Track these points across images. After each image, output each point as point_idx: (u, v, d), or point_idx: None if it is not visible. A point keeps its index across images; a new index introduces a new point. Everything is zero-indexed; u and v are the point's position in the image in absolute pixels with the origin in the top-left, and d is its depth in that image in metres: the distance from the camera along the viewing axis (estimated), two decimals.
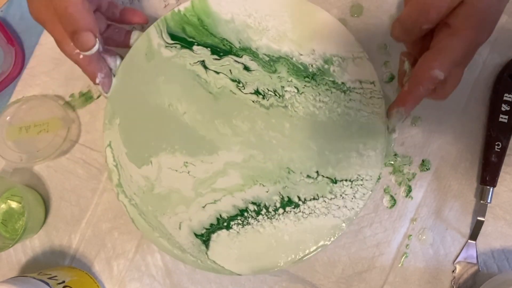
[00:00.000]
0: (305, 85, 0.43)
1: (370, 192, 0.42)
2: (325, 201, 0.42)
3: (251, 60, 0.44)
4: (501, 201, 0.44)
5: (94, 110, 0.49)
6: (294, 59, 0.44)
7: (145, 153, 0.44)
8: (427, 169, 0.45)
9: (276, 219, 0.42)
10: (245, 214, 0.42)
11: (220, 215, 0.42)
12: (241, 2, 0.45)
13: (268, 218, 0.42)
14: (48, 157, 0.46)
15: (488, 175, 0.43)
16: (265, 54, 0.44)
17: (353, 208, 0.41)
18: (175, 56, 0.45)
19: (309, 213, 0.42)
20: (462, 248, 0.43)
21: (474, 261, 0.43)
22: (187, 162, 0.43)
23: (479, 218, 0.43)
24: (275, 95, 0.43)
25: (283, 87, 0.43)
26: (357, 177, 0.42)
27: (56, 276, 0.41)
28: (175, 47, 0.45)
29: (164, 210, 0.43)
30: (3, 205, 0.48)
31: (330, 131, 0.42)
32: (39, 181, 0.48)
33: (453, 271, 0.43)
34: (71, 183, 0.48)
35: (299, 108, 0.43)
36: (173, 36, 0.45)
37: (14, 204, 0.48)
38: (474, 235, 0.43)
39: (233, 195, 0.42)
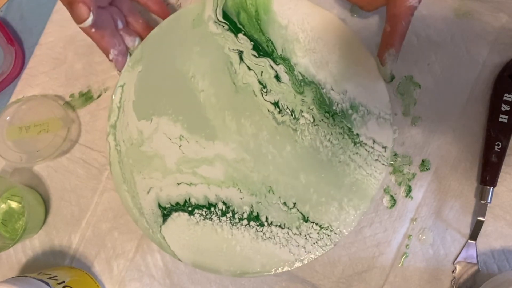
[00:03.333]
0: (322, 119, 0.42)
1: (333, 246, 0.41)
2: (289, 234, 0.41)
3: (285, 72, 0.43)
4: (501, 201, 0.44)
5: (94, 110, 0.49)
6: (324, 90, 0.43)
7: (150, 109, 0.44)
8: (427, 169, 0.45)
9: (237, 227, 0.42)
10: (212, 209, 0.42)
11: (189, 199, 0.42)
12: (303, 15, 0.44)
13: (230, 223, 0.42)
14: (48, 157, 0.46)
15: (488, 175, 0.43)
16: (300, 73, 0.43)
17: (310, 253, 0.41)
18: (219, 35, 0.44)
19: (269, 237, 0.41)
20: (462, 248, 0.43)
21: (474, 261, 0.43)
22: (183, 136, 0.43)
23: (479, 218, 0.43)
24: (291, 115, 0.43)
25: (302, 111, 0.43)
26: (327, 226, 0.41)
27: (56, 276, 0.41)
28: (223, 26, 0.44)
29: (142, 169, 0.43)
30: (3, 205, 0.48)
31: (324, 173, 0.42)
32: (39, 181, 0.48)
33: (453, 271, 0.43)
34: (71, 183, 0.48)
35: (307, 138, 0.42)
36: (225, 15, 0.44)
37: (14, 204, 0.48)
38: (474, 235, 0.43)
39: (209, 187, 0.42)
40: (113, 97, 0.44)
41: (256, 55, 0.44)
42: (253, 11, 0.44)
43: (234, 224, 0.42)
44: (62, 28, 0.50)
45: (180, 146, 0.43)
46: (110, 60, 0.43)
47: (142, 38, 0.46)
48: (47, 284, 0.39)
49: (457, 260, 0.43)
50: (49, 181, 0.48)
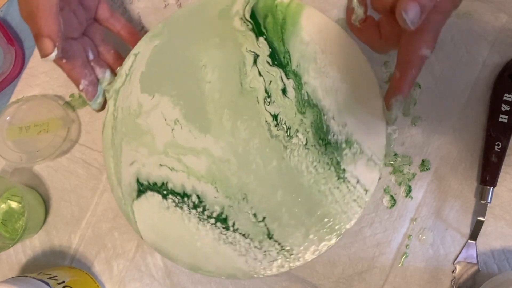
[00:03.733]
0: (314, 145, 0.42)
1: (286, 270, 0.41)
2: (250, 245, 0.41)
3: (293, 88, 0.42)
4: (501, 201, 0.44)
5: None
6: (325, 117, 0.42)
7: (155, 85, 0.44)
8: (427, 169, 0.45)
9: (204, 224, 0.42)
10: (185, 199, 0.42)
11: (167, 183, 0.42)
12: (327, 36, 0.43)
13: (198, 217, 0.42)
14: (48, 157, 0.46)
15: (488, 175, 0.43)
16: (307, 93, 0.42)
17: (264, 269, 0.41)
18: (241, 33, 0.44)
19: (230, 242, 0.41)
20: (462, 248, 0.43)
21: (474, 261, 0.43)
22: (178, 121, 0.43)
23: (479, 218, 0.43)
24: (286, 132, 0.42)
25: (297, 131, 0.42)
26: (289, 249, 0.41)
27: (56, 276, 0.41)
28: (247, 25, 0.44)
29: (131, 140, 0.43)
30: (3, 205, 0.48)
31: (301, 197, 0.41)
32: (39, 181, 0.48)
33: (453, 271, 0.43)
34: (71, 183, 0.48)
35: (294, 159, 0.42)
36: (253, 15, 0.44)
37: (14, 204, 0.48)
38: (474, 235, 0.43)
39: (188, 177, 0.42)
40: (124, 64, 0.44)
41: (270, 63, 0.43)
42: (281, 19, 0.43)
43: (202, 220, 0.42)
44: None
45: (173, 130, 0.43)
46: (80, 91, 0.43)
47: (113, 69, 0.45)
48: (47, 284, 0.39)
49: (457, 260, 0.43)
50: (49, 181, 0.48)
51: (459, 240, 0.44)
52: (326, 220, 0.41)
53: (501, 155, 0.43)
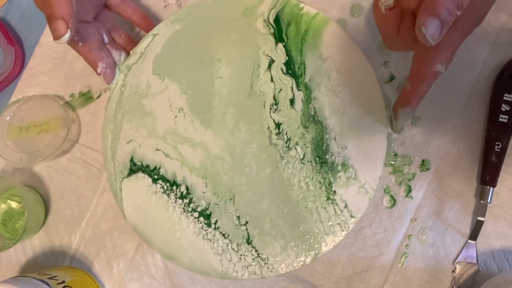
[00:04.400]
0: (310, 161, 0.42)
1: (259, 278, 0.41)
2: (228, 246, 0.42)
3: (302, 100, 0.42)
4: (501, 201, 0.44)
5: (94, 110, 0.49)
6: (327, 136, 0.42)
7: (167, 69, 0.44)
8: (427, 169, 0.45)
9: (187, 216, 0.42)
10: (174, 187, 0.43)
11: (159, 168, 0.43)
12: (344, 56, 0.43)
13: (183, 208, 0.42)
14: (48, 157, 0.46)
15: (488, 175, 0.43)
16: (315, 109, 0.42)
17: (237, 272, 0.41)
18: (261, 35, 0.43)
19: (209, 239, 0.42)
20: (462, 248, 0.43)
21: (474, 261, 0.43)
22: (182, 109, 0.43)
23: (479, 218, 0.43)
24: (286, 142, 0.42)
25: (297, 144, 0.42)
26: (264, 258, 0.41)
27: (56, 276, 0.41)
28: (269, 28, 0.43)
29: (133, 119, 0.44)
30: (3, 205, 0.48)
31: (287, 209, 0.42)
32: (39, 181, 0.48)
33: (453, 271, 0.43)
34: (71, 183, 0.48)
35: (288, 171, 0.42)
36: (276, 19, 0.43)
37: (14, 204, 0.48)
38: (474, 235, 0.43)
39: (181, 167, 0.43)
40: (141, 43, 0.44)
41: (284, 71, 0.43)
42: (303, 29, 0.43)
43: (186, 212, 0.42)
44: None
45: (175, 117, 0.43)
46: (98, 74, 0.43)
47: (127, 52, 0.45)
48: (47, 284, 0.39)
49: (457, 260, 0.43)
50: (49, 181, 0.48)
51: (459, 240, 0.44)
52: (307, 237, 0.41)
53: (501, 155, 0.43)
